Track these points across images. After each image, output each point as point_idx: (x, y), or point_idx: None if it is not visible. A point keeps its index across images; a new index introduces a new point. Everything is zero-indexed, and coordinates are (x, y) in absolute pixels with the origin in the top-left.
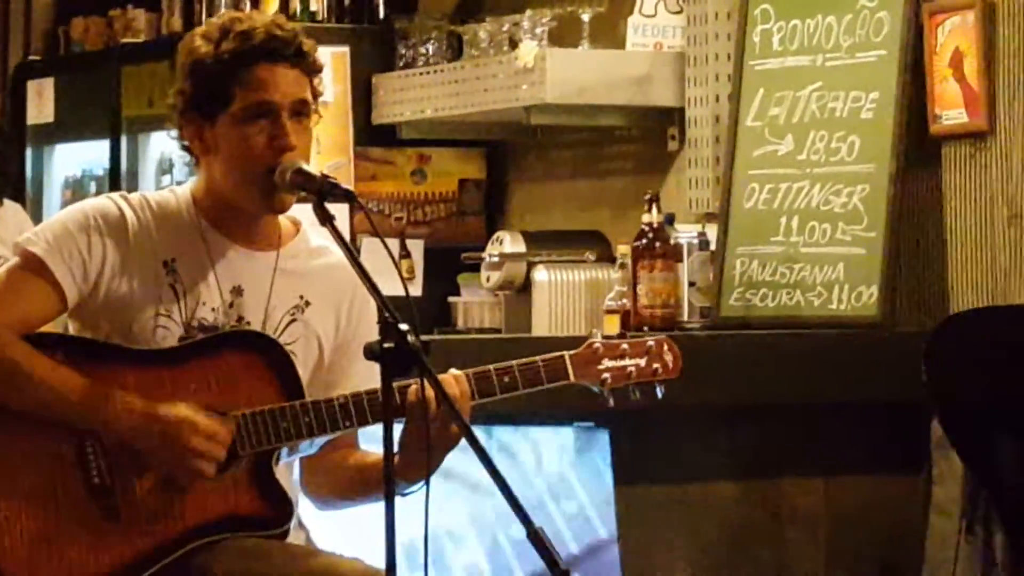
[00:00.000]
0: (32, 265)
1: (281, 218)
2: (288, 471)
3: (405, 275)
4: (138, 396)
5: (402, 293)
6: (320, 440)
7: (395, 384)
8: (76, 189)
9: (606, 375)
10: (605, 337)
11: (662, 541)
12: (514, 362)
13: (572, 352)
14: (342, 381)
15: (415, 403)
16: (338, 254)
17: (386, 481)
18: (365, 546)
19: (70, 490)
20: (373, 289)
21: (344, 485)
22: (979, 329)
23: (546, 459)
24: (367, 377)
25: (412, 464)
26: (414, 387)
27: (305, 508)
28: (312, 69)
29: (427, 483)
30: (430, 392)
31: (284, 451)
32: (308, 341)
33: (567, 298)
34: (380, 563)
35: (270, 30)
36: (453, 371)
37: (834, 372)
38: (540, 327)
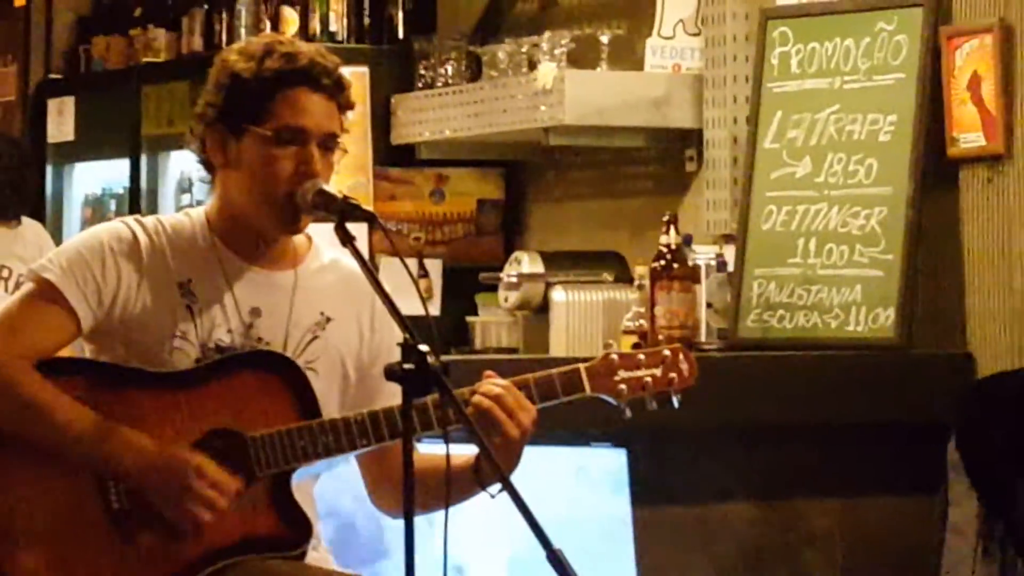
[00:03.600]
0: (46, 291)
1: None
2: (309, 490)
3: (423, 295)
4: (148, 436)
5: (421, 312)
6: (339, 459)
7: (460, 390)
8: (96, 207)
9: (622, 386)
10: None
11: (679, 561)
12: (530, 376)
13: (587, 364)
14: (377, 397)
15: (479, 410)
16: (352, 266)
17: (406, 498)
18: None
19: (89, 515)
20: (393, 309)
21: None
22: (1009, 382)
23: (564, 479)
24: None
25: (492, 467)
26: (478, 394)
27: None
28: (346, 104)
29: (447, 503)
30: (488, 402)
31: (301, 470)
32: (331, 358)
33: (585, 318)
34: None
35: (314, 57)
36: (497, 380)
37: (851, 393)
38: (558, 347)
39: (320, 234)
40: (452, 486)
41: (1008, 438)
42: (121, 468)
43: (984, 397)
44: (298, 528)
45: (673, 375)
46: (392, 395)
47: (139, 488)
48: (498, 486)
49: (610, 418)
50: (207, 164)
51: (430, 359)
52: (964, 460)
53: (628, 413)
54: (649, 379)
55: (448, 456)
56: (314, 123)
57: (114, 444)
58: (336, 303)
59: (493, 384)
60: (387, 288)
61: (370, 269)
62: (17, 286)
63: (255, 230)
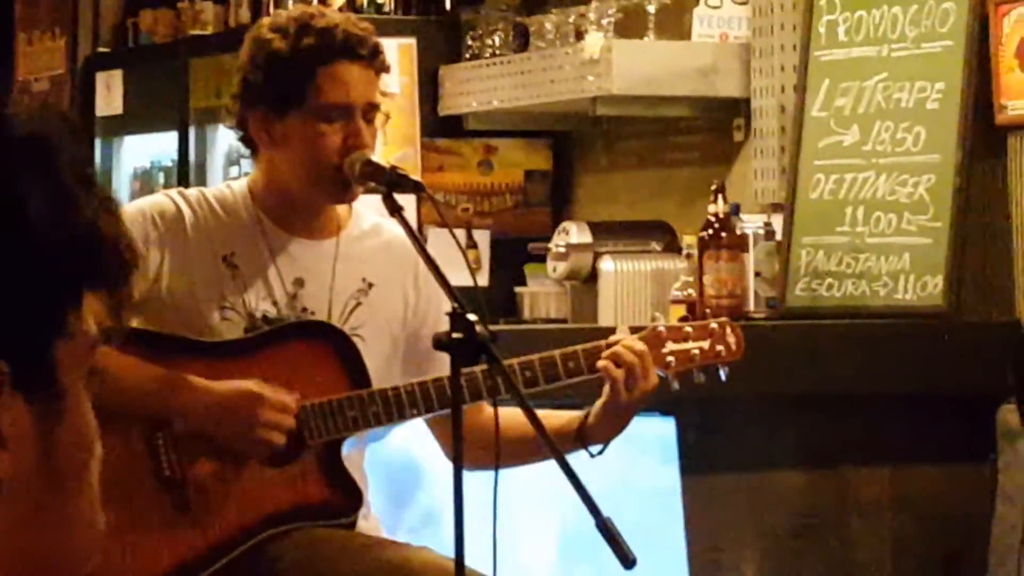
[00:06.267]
0: None
1: None
2: (359, 460)
3: (472, 265)
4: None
5: (469, 283)
6: (388, 428)
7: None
8: (144, 180)
9: (670, 358)
10: None
11: (728, 530)
12: (578, 347)
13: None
14: (430, 364)
15: (612, 368)
16: (394, 230)
17: (455, 469)
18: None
19: (141, 483)
20: (441, 278)
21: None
22: None
23: (612, 448)
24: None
25: (601, 427)
26: (615, 350)
27: (376, 496)
28: (382, 69)
29: (496, 469)
30: (631, 356)
31: (351, 440)
32: (376, 324)
33: (633, 288)
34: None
35: (348, 28)
36: (635, 343)
37: (900, 362)
38: (606, 317)
39: (369, 205)
40: (551, 445)
41: None
42: (187, 414)
43: None
44: (349, 497)
45: (720, 348)
46: (445, 362)
47: (204, 430)
48: (599, 446)
49: (657, 389)
50: (249, 142)
51: (478, 328)
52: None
53: (676, 386)
54: (697, 352)
55: (535, 418)
56: (357, 95)
57: (178, 392)
58: (378, 268)
59: (632, 343)
60: (436, 259)
61: (417, 238)
62: None
63: (302, 202)
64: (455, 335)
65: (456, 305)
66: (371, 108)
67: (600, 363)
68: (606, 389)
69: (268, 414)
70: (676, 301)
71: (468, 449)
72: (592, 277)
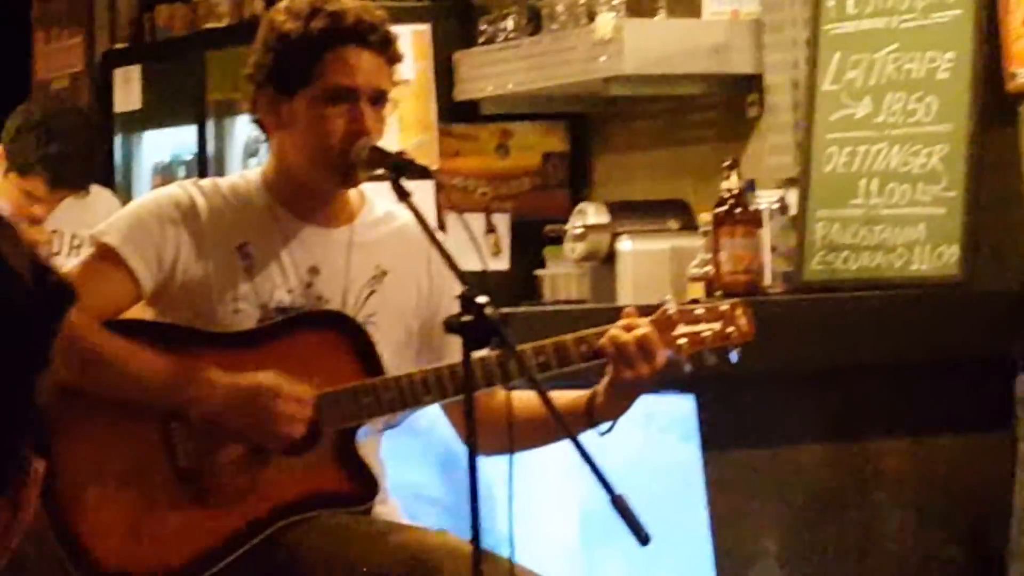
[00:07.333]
0: (106, 256)
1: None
2: (375, 446)
3: (492, 250)
4: (220, 371)
5: (488, 268)
6: (403, 415)
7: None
8: (165, 174)
9: (681, 340)
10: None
11: (751, 506)
12: (591, 331)
13: (647, 320)
14: (446, 350)
15: (610, 347)
16: (407, 217)
17: (469, 449)
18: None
19: (158, 474)
20: (450, 263)
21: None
22: None
23: (632, 426)
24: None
25: (609, 405)
26: (612, 331)
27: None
28: (394, 58)
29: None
30: (627, 336)
31: (366, 427)
32: (390, 311)
33: (651, 267)
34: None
35: (360, 14)
36: (639, 320)
37: (918, 332)
38: (625, 297)
39: (380, 192)
40: (564, 426)
41: None
42: (202, 407)
43: None
44: (364, 484)
45: (732, 330)
46: (460, 349)
47: (222, 423)
48: (608, 424)
49: (671, 370)
50: (261, 124)
51: (488, 311)
52: None
53: (688, 367)
54: (708, 334)
55: (548, 401)
56: (363, 80)
57: (193, 384)
58: (391, 255)
59: (635, 321)
60: (453, 244)
61: (426, 223)
62: None
63: (311, 188)
64: (465, 317)
65: (466, 288)
66: (379, 95)
67: (600, 342)
68: (608, 368)
69: (285, 406)
70: (694, 279)
71: (481, 435)
72: (610, 257)
